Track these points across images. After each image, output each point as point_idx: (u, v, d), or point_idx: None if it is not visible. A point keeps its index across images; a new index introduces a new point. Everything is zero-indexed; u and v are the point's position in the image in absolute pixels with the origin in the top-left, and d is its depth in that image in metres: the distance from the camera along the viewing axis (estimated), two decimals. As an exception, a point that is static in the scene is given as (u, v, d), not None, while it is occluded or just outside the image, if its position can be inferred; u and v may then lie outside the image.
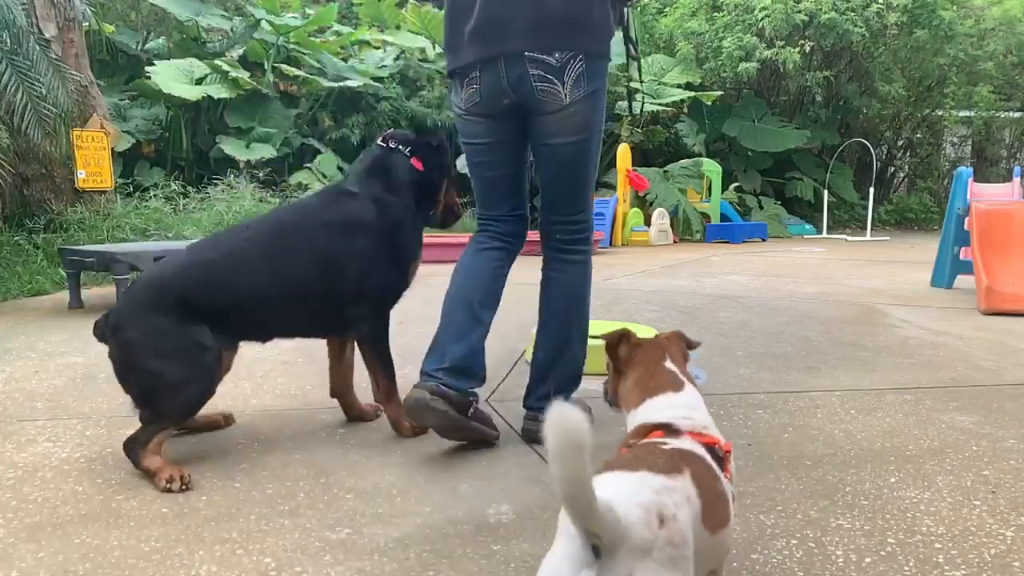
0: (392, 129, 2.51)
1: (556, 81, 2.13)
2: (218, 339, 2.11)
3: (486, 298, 2.30)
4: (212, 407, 2.61)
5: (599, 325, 3.93)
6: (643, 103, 7.16)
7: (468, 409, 2.23)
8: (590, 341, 3.10)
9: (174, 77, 10.29)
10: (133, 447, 2.03)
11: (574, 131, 2.21)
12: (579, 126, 2.21)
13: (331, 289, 2.26)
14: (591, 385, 2.94)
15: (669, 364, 1.39)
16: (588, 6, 2.12)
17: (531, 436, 2.34)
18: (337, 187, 2.41)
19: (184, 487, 1.94)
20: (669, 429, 1.26)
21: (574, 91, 2.14)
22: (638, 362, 1.41)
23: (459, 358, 2.21)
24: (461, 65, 2.24)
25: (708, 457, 1.20)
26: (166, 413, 2.06)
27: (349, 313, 2.30)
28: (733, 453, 1.32)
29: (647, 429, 1.28)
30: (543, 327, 2.40)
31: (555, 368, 2.37)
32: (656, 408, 1.31)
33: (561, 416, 0.85)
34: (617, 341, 1.46)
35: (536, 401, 2.38)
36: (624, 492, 1.00)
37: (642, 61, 12.55)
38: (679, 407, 1.30)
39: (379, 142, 2.45)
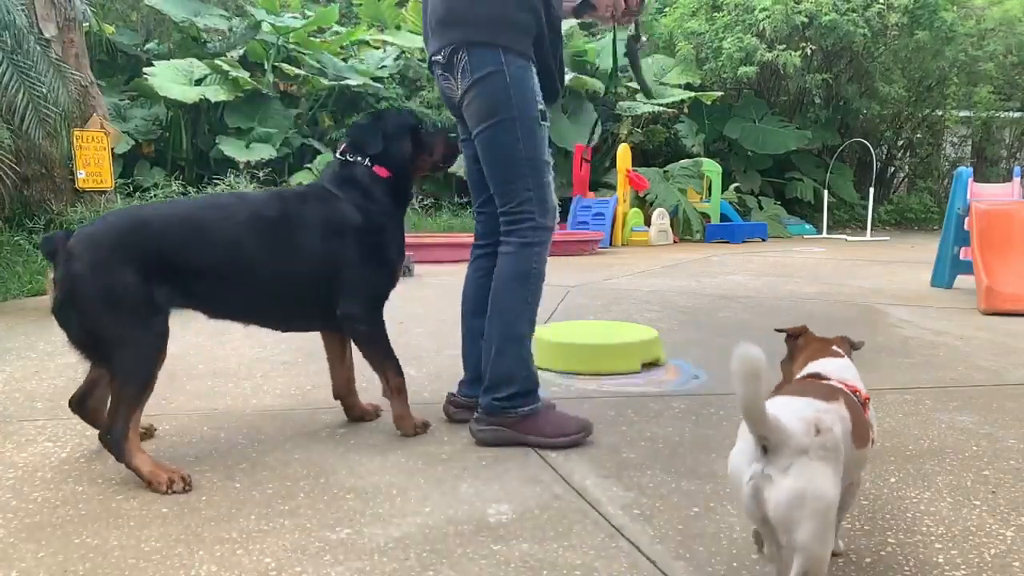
0: (346, 139, 2.44)
1: (451, 77, 2.26)
2: (176, 304, 2.06)
3: (475, 308, 2.45)
4: (211, 405, 2.62)
5: (600, 325, 3.93)
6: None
7: None
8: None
9: (172, 78, 10.29)
10: (112, 439, 1.97)
11: (479, 120, 2.25)
12: (481, 114, 2.24)
13: (321, 284, 2.28)
14: (579, 382, 2.94)
15: (833, 347, 1.70)
16: (465, 1, 2.21)
17: (477, 438, 2.30)
18: (321, 188, 2.36)
19: (186, 488, 1.94)
20: (819, 376, 1.55)
21: (463, 82, 2.23)
22: (808, 346, 1.73)
23: (472, 368, 2.48)
24: None
25: (853, 397, 1.49)
26: (122, 381, 1.98)
27: (344, 312, 2.31)
28: None
29: (802, 379, 1.59)
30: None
31: (488, 365, 2.29)
32: (814, 368, 1.61)
33: (745, 352, 1.19)
34: (798, 333, 1.79)
35: (479, 399, 2.32)
36: (791, 409, 1.30)
37: (642, 61, 12.53)
38: (833, 367, 1.60)
39: (337, 155, 2.41)
